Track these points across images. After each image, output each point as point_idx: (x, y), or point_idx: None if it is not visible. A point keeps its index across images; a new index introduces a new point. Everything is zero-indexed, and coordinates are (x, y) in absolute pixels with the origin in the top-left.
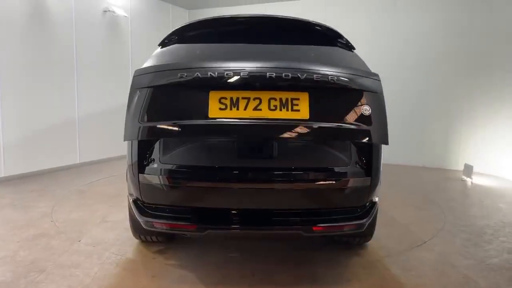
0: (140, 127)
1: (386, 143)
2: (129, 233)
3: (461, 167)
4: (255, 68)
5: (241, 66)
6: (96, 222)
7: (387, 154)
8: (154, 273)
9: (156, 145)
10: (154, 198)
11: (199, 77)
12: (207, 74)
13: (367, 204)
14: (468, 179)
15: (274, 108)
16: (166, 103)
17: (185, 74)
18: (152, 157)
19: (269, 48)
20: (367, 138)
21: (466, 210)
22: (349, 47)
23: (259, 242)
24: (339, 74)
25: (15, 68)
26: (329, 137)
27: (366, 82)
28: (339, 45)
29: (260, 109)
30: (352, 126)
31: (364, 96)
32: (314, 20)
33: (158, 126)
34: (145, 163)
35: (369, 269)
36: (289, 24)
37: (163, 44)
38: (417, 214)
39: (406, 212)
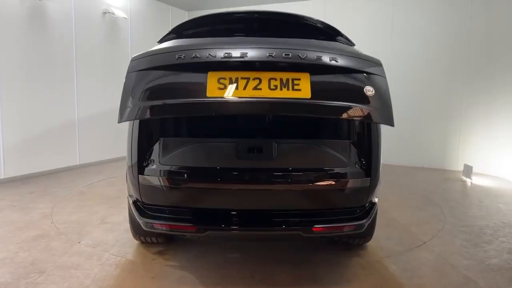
0: (139, 106)
1: (392, 123)
2: (129, 234)
3: (461, 168)
4: (255, 47)
5: (240, 47)
6: (96, 224)
7: (386, 155)
8: (154, 274)
9: (156, 146)
10: (154, 199)
11: (197, 57)
12: (205, 54)
13: (367, 204)
14: (467, 180)
15: (274, 87)
16: (164, 84)
17: (183, 55)
18: (152, 158)
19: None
20: (371, 117)
21: (466, 211)
22: (349, 42)
23: (258, 243)
24: (340, 55)
25: (15, 70)
26: (333, 115)
27: (369, 65)
28: (339, 41)
29: (260, 89)
30: (356, 105)
31: (367, 78)
32: (315, 17)
33: (155, 104)
34: (144, 165)
35: (369, 269)
36: (290, 19)
37: (162, 41)
38: (417, 215)
39: (405, 212)
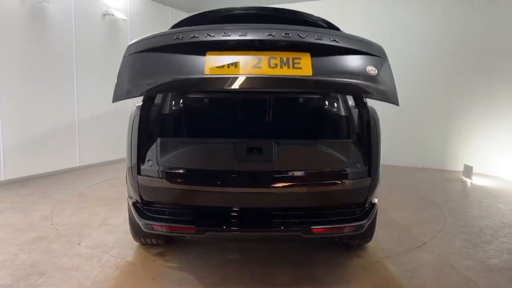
0: (133, 84)
1: (396, 102)
2: (129, 236)
3: (461, 168)
4: (254, 28)
5: (239, 27)
6: (96, 225)
7: (386, 155)
8: (154, 275)
9: (155, 147)
10: (153, 200)
11: (195, 37)
12: (204, 34)
13: (367, 205)
14: (467, 180)
15: (274, 66)
16: (160, 63)
17: (181, 36)
18: (150, 159)
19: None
20: (374, 95)
21: (466, 211)
22: None
23: (258, 244)
24: (341, 36)
25: (15, 72)
26: (336, 91)
27: (370, 48)
28: None
29: (260, 67)
30: (360, 82)
31: (369, 59)
32: (315, 15)
33: (152, 82)
34: (143, 166)
35: (369, 270)
36: (289, 16)
37: None
38: (417, 215)
39: (405, 213)
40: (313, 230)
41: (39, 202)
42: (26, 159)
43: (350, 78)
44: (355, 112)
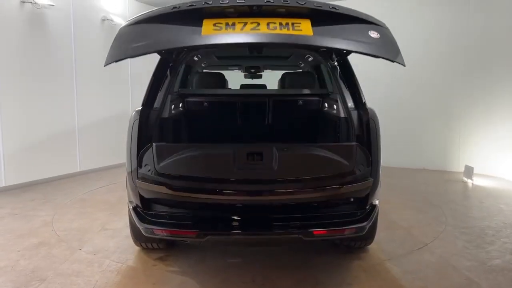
0: (131, 46)
1: (402, 62)
2: (129, 240)
3: (461, 169)
4: None
5: None
6: (97, 230)
7: (386, 157)
8: (155, 280)
9: (155, 153)
10: (153, 205)
11: (192, 5)
12: (201, 2)
13: (367, 207)
14: (468, 181)
15: (273, 28)
16: (158, 29)
17: (178, 6)
18: (149, 164)
19: None
20: (379, 53)
21: (467, 212)
22: None
23: (259, 247)
24: (341, 6)
25: (14, 78)
26: (338, 46)
27: (371, 18)
28: None
29: (259, 29)
30: (363, 40)
31: (371, 26)
32: None
33: (148, 42)
34: (143, 171)
35: (371, 272)
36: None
37: None
38: (418, 217)
39: (406, 214)
40: (314, 232)
41: (39, 208)
42: (26, 164)
43: (353, 37)
44: (354, 114)
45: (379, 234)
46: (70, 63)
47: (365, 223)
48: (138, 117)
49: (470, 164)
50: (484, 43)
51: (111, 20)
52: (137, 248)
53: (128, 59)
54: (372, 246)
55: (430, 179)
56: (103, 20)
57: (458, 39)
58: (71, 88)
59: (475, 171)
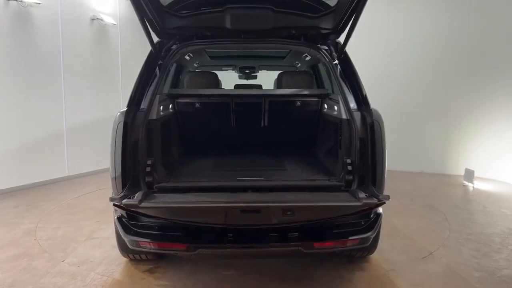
0: None
1: None
2: (117, 250)
3: (461, 172)
4: None
5: None
6: (82, 239)
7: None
8: None
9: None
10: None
11: None
12: None
13: (372, 215)
14: (469, 184)
15: None
16: None
17: None
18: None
19: None
20: None
21: (471, 217)
22: None
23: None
24: None
25: None
26: None
27: None
28: None
29: None
30: None
31: None
32: None
33: None
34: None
35: (374, 284)
36: None
37: None
38: (420, 223)
39: (408, 220)
40: (315, 244)
41: (24, 215)
42: (11, 169)
43: None
44: (357, 115)
45: (381, 241)
46: (58, 63)
47: (369, 233)
48: (122, 119)
49: (470, 167)
50: (484, 44)
51: (101, 19)
52: (124, 259)
53: (118, 53)
54: (375, 255)
55: (430, 182)
56: (92, 19)
57: (458, 40)
58: (59, 89)
59: (475, 175)
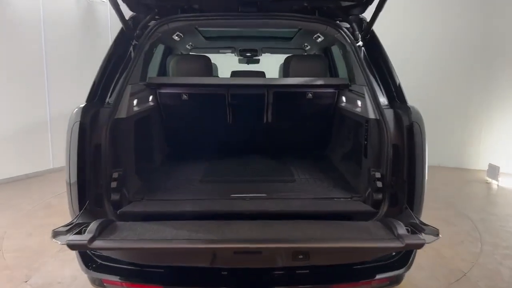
0: None
1: None
2: None
3: (482, 167)
4: None
5: None
6: (54, 251)
7: None
8: None
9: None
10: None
11: None
12: None
13: None
14: (493, 181)
15: None
16: None
17: None
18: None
19: None
20: None
21: (503, 224)
22: None
23: None
24: None
25: None
26: None
27: None
28: None
29: None
30: None
31: None
32: None
33: None
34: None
35: None
36: None
37: None
38: (446, 231)
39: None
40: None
41: None
42: None
43: None
44: (389, 114)
45: None
46: (39, 47)
47: (402, 270)
48: (79, 118)
49: (494, 163)
50: (501, 37)
51: None
52: None
53: (109, 37)
54: None
55: (449, 178)
56: None
57: (474, 35)
58: (41, 76)
59: (500, 170)
